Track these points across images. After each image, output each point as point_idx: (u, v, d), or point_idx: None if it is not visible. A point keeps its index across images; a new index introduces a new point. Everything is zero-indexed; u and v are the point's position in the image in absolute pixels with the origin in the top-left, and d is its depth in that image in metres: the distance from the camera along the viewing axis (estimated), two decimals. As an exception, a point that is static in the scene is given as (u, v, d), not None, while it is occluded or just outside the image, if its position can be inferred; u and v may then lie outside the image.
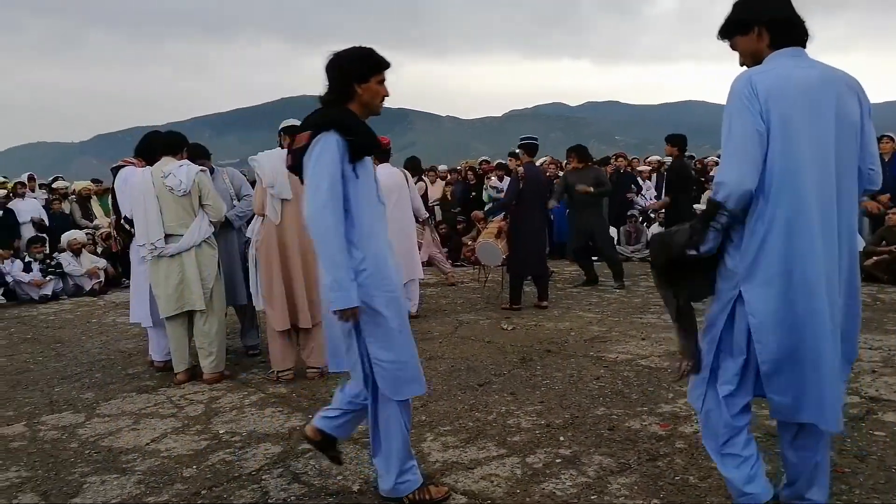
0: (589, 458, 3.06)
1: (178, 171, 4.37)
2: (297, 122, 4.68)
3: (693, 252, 2.18)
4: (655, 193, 11.67)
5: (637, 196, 11.34)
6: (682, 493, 2.71)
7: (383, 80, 2.58)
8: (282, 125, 4.75)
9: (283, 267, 4.39)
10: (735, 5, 2.24)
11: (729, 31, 2.26)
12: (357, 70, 2.51)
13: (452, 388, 4.23)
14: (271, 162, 4.34)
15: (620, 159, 12.14)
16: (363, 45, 2.58)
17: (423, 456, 3.17)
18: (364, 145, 2.51)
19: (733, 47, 2.28)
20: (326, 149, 2.41)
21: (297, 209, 4.40)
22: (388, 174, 6.28)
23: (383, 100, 2.61)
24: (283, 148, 4.52)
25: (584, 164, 7.85)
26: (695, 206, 10.22)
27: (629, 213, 10.66)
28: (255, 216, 4.55)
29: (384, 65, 2.57)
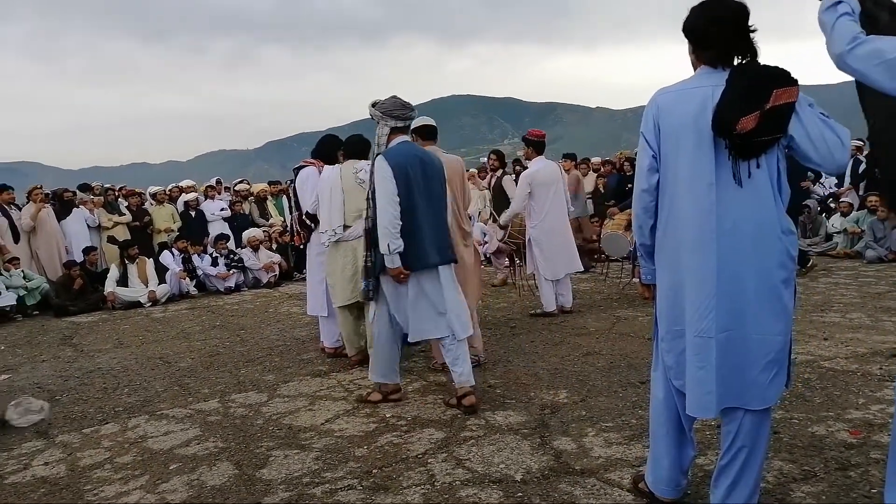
0: (767, 463, 2.84)
1: (368, 167, 4.69)
2: (430, 121, 4.55)
3: None
4: (836, 181, 10.62)
5: (814, 185, 10.39)
6: (880, 508, 2.46)
7: None
8: (413, 125, 4.48)
9: None
10: None
11: None
12: None
13: (613, 384, 4.13)
14: None
15: None
16: None
17: (586, 451, 3.13)
18: None
19: None
20: None
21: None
22: (545, 166, 6.25)
23: None
24: None
25: None
26: None
27: (804, 203, 9.77)
28: None
29: None
